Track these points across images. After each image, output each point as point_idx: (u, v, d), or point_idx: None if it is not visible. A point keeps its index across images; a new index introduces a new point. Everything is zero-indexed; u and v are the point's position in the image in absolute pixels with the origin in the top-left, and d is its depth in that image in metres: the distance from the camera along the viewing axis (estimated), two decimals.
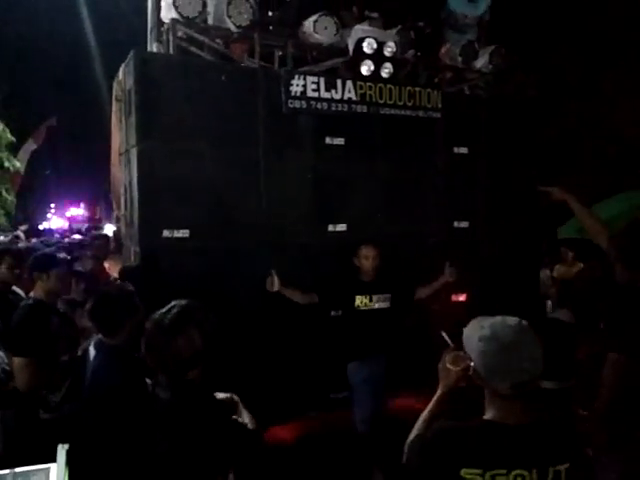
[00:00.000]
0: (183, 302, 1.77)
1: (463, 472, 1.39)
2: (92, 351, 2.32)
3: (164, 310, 1.76)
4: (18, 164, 13.46)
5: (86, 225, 9.24)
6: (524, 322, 1.47)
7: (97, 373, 2.21)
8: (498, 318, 1.49)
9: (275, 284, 3.19)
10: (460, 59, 4.05)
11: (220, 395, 1.89)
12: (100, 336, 2.32)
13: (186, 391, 1.73)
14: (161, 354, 1.71)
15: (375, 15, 4.18)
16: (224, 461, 1.74)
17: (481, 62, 4.15)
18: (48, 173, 24.35)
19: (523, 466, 1.39)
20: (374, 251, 3.32)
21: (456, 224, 4.03)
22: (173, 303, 1.76)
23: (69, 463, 1.61)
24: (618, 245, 2.23)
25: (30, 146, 14.94)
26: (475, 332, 1.48)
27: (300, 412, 3.49)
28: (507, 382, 1.41)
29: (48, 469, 1.61)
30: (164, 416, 1.72)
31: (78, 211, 24.82)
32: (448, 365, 1.62)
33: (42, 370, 2.58)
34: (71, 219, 22.04)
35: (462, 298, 4.02)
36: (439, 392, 1.66)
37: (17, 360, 2.57)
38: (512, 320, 1.48)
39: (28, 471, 1.61)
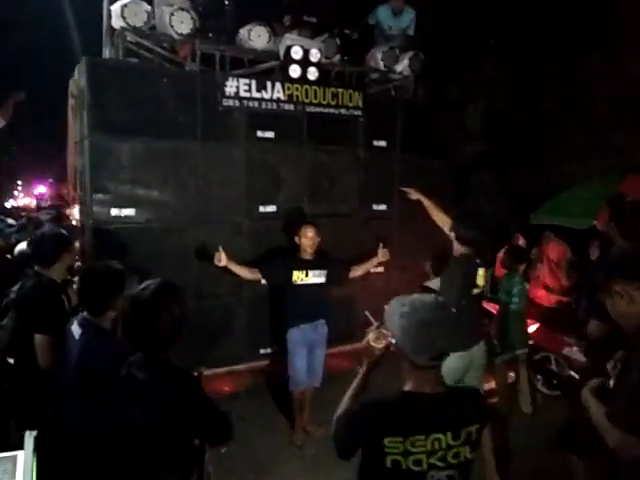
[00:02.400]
0: (158, 280, 1.81)
1: (386, 441, 1.53)
2: (77, 329, 2.30)
3: (141, 287, 1.79)
4: None
5: (49, 204, 9.56)
6: (440, 299, 1.66)
7: (84, 354, 2.20)
8: (416, 296, 1.64)
9: (223, 259, 3.59)
10: (382, 63, 4.75)
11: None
12: (85, 314, 2.32)
13: (161, 370, 1.77)
14: (142, 329, 1.74)
15: (313, 19, 4.86)
16: (195, 435, 1.83)
17: (401, 66, 4.85)
18: (14, 149, 24.31)
19: (439, 430, 1.55)
20: (313, 230, 3.72)
21: (375, 207, 4.77)
22: (148, 282, 1.79)
23: (37, 450, 1.61)
24: (456, 228, 3.07)
25: None
26: (396, 310, 1.60)
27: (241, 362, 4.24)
28: (426, 355, 1.56)
29: (15, 456, 1.58)
30: (141, 396, 1.75)
31: (45, 188, 24.90)
32: (371, 343, 1.73)
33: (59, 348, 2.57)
34: (38, 197, 22.18)
35: (380, 270, 4.78)
36: (363, 369, 1.78)
37: (40, 338, 2.60)
38: (429, 298, 1.64)
39: None
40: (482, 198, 7.52)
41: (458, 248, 3.10)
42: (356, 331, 4.44)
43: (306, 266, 3.69)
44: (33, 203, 21.69)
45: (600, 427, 1.77)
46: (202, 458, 1.97)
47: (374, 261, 3.97)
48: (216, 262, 3.60)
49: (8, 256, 4.41)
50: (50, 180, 26.30)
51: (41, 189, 23.70)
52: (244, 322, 4.31)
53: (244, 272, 3.69)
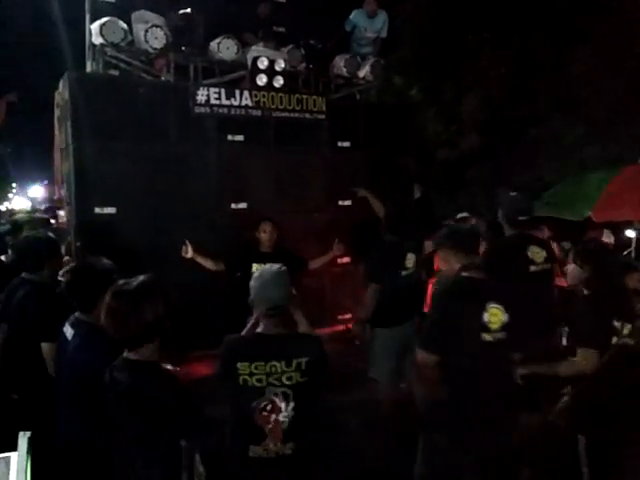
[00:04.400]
0: (142, 276, 1.90)
1: (239, 365, 2.11)
2: (69, 330, 2.36)
3: (124, 282, 1.88)
4: None
5: (45, 205, 9.95)
6: (283, 268, 2.24)
7: (78, 354, 2.25)
8: (267, 265, 2.28)
9: (189, 251, 4.09)
10: (345, 70, 5.21)
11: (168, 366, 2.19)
12: (77, 314, 2.38)
13: (144, 372, 1.85)
14: (124, 320, 1.80)
15: (282, 29, 5.34)
16: (179, 436, 1.91)
17: (363, 72, 5.32)
18: (9, 151, 24.75)
19: (275, 359, 2.12)
20: (271, 226, 4.19)
21: (340, 202, 5.22)
22: (133, 278, 1.89)
23: (31, 451, 1.59)
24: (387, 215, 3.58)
25: None
26: (255, 275, 2.26)
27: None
28: (263, 306, 2.17)
29: (8, 458, 1.56)
30: (124, 398, 1.83)
31: (41, 190, 25.36)
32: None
33: None
34: (33, 199, 22.63)
35: (346, 260, 5.25)
36: (252, 320, 2.37)
37: (47, 346, 2.64)
38: (275, 266, 2.25)
39: None
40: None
41: (387, 235, 3.62)
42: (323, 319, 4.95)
43: (264, 259, 4.02)
44: (28, 205, 22.16)
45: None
46: (192, 459, 2.05)
47: (330, 254, 4.43)
48: (183, 254, 4.06)
49: (2, 258, 4.68)
50: (45, 182, 26.78)
51: (36, 191, 24.17)
52: (220, 309, 4.75)
53: (209, 264, 4.13)
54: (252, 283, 2.23)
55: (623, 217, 5.75)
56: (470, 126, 10.68)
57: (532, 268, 3.27)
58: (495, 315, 2.35)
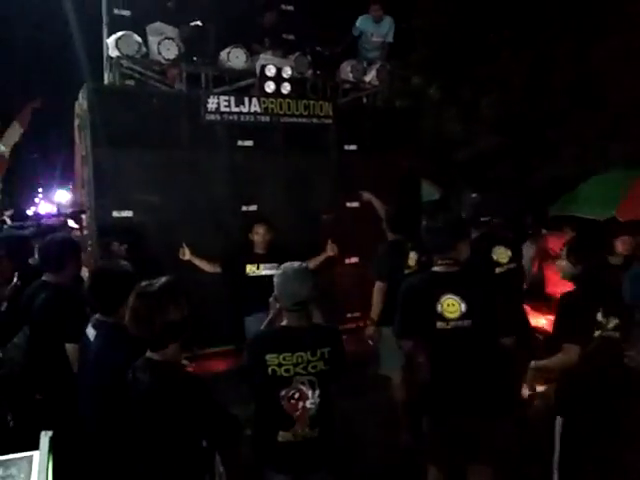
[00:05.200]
0: (164, 278, 1.94)
1: (267, 357, 2.31)
2: (91, 331, 2.44)
3: (147, 283, 1.92)
4: (3, 148, 14.54)
5: (70, 210, 10.43)
6: (304, 264, 2.47)
7: (100, 354, 2.31)
8: (289, 263, 2.45)
9: (186, 254, 4.34)
10: (351, 76, 5.46)
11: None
12: (98, 315, 2.44)
13: (166, 373, 1.89)
14: (148, 321, 1.84)
15: (291, 37, 5.63)
16: (202, 437, 1.95)
17: (370, 77, 5.56)
18: (35, 157, 25.72)
19: (302, 349, 2.34)
20: (264, 228, 4.37)
21: (348, 204, 5.44)
22: (155, 279, 1.94)
23: (53, 450, 1.59)
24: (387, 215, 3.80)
25: (15, 130, 15.93)
26: (277, 272, 2.46)
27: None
28: (289, 301, 2.37)
29: (31, 457, 1.58)
30: (146, 399, 1.87)
31: (66, 195, 26.24)
32: (272, 300, 2.58)
33: None
34: (59, 203, 23.48)
35: (354, 260, 5.49)
36: (271, 314, 2.60)
37: (72, 347, 2.72)
38: (297, 263, 2.45)
39: (8, 460, 1.57)
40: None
41: (390, 235, 3.84)
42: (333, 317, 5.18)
43: (258, 260, 4.36)
44: (54, 209, 23.00)
45: None
46: (212, 460, 2.11)
47: (323, 255, 4.64)
48: (180, 256, 4.32)
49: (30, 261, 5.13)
50: (70, 186, 27.68)
51: (61, 195, 25.05)
52: (229, 306, 5.02)
53: (204, 265, 4.39)
54: (276, 279, 2.42)
55: None
56: (489, 126, 10.77)
57: (497, 270, 3.44)
58: (452, 305, 2.56)
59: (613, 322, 2.71)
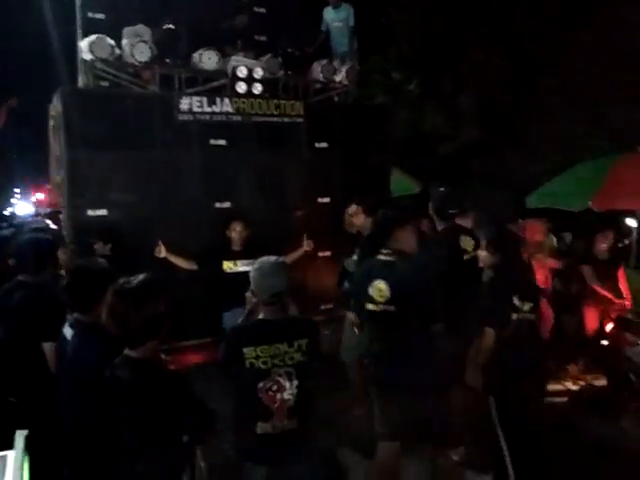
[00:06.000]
0: (142, 275, 1.96)
1: (244, 349, 2.37)
2: (68, 330, 2.46)
3: (124, 280, 1.95)
4: None
5: (48, 210, 10.51)
6: (280, 258, 2.57)
7: (78, 353, 2.34)
8: (265, 257, 2.54)
9: (162, 251, 4.50)
10: (321, 75, 5.74)
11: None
12: (75, 314, 2.47)
13: (145, 369, 1.91)
14: (126, 318, 1.85)
15: (263, 38, 5.89)
16: (182, 431, 1.98)
17: (340, 76, 5.85)
18: (13, 157, 25.67)
19: (278, 341, 2.41)
20: (241, 225, 4.58)
21: (319, 200, 5.72)
22: (133, 277, 1.95)
23: (31, 450, 1.62)
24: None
25: None
26: (253, 267, 2.56)
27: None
28: (265, 294, 2.46)
29: (5, 457, 1.57)
30: (125, 396, 1.88)
31: (43, 196, 26.17)
32: (249, 295, 2.66)
33: None
34: (37, 204, 23.50)
35: (327, 254, 5.75)
36: (247, 309, 2.68)
37: (49, 346, 2.77)
38: (273, 257, 2.54)
39: None
40: None
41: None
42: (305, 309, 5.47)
43: (235, 256, 4.56)
44: (32, 210, 23.00)
45: None
46: (193, 454, 2.17)
47: (300, 251, 4.89)
48: (156, 254, 4.47)
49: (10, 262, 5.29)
50: (49, 186, 27.57)
51: (39, 196, 25.06)
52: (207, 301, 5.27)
53: (181, 262, 4.56)
54: (252, 273, 2.51)
55: (623, 206, 6.00)
56: (469, 119, 11.11)
57: (465, 257, 3.76)
58: (380, 290, 2.87)
59: (528, 305, 3.05)
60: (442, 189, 4.27)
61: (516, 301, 3.08)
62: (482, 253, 3.43)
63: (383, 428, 2.94)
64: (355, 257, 4.24)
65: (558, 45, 9.95)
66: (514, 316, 3.07)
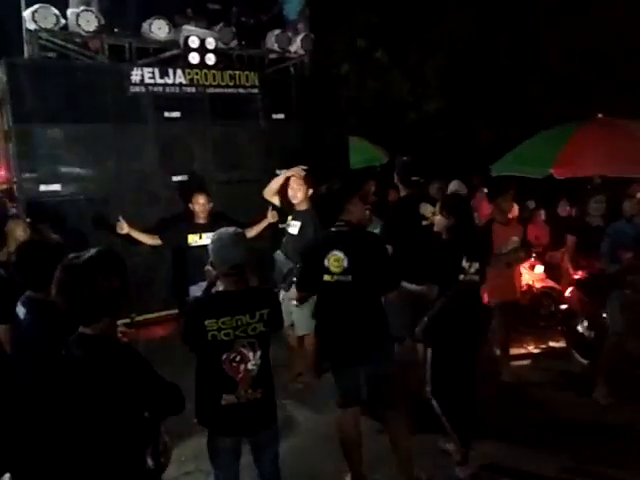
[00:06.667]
0: (94, 249, 1.89)
1: (206, 322, 2.35)
2: (21, 309, 2.44)
3: (74, 255, 1.87)
4: None
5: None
6: (238, 230, 2.52)
7: (30, 332, 2.33)
8: (223, 229, 2.51)
9: (124, 228, 4.48)
10: (276, 45, 5.79)
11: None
12: (28, 292, 2.44)
13: (100, 346, 1.86)
14: (76, 294, 1.80)
15: (217, 7, 5.87)
16: (143, 408, 1.95)
17: (295, 46, 5.90)
18: None
19: (240, 313, 2.38)
20: (204, 198, 4.57)
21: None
22: (84, 251, 1.87)
23: None
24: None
25: None
26: (212, 238, 2.52)
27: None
28: (225, 266, 2.43)
29: None
30: (81, 374, 1.83)
31: None
32: (209, 268, 2.62)
33: None
34: None
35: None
36: (207, 281, 2.68)
37: (2, 328, 2.70)
38: (231, 229, 2.51)
39: None
40: None
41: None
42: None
43: (200, 230, 4.58)
44: None
45: None
46: (156, 430, 2.13)
47: (265, 222, 4.91)
48: (118, 230, 4.50)
49: None
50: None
51: None
52: (168, 274, 5.38)
53: (144, 238, 4.60)
54: (211, 246, 2.49)
55: (584, 173, 6.10)
56: (435, 88, 11.27)
57: (423, 222, 3.96)
58: (337, 261, 2.91)
59: (474, 267, 3.27)
60: (405, 158, 4.42)
61: (464, 263, 3.24)
62: (436, 217, 3.57)
63: (340, 396, 3.03)
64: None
65: (522, 14, 10.17)
66: (460, 277, 3.27)
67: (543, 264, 6.01)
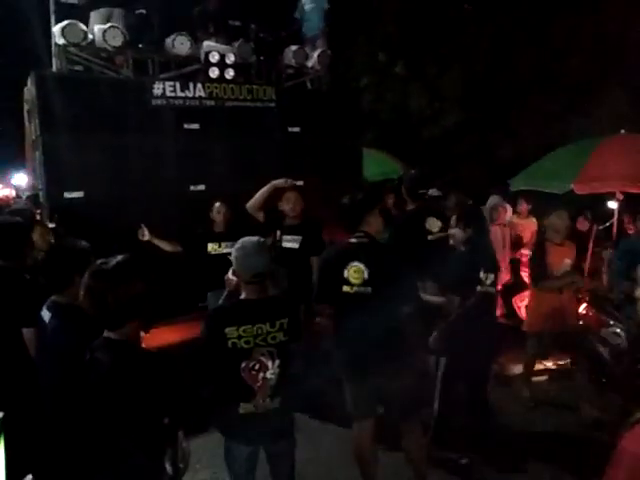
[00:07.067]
0: (121, 256, 1.96)
1: (226, 330, 2.38)
2: (46, 313, 2.50)
3: (102, 261, 1.94)
4: None
5: (27, 193, 10.64)
6: (262, 239, 2.57)
7: (55, 336, 2.39)
8: (247, 238, 2.54)
9: (146, 234, 4.64)
10: (294, 61, 6.04)
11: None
12: (53, 297, 2.52)
13: (125, 352, 1.92)
14: (103, 300, 1.85)
15: (237, 23, 6.15)
16: (163, 414, 1.99)
17: (312, 62, 6.14)
18: None
19: (261, 321, 2.43)
20: (224, 207, 4.74)
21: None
22: (111, 258, 1.95)
23: (11, 435, 1.66)
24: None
25: None
26: (235, 247, 2.55)
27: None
28: (248, 274, 2.46)
29: None
30: (105, 379, 1.88)
31: (24, 178, 26.03)
32: (230, 276, 2.71)
33: None
34: (18, 186, 23.44)
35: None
36: (227, 291, 2.75)
37: (29, 332, 2.78)
38: (254, 238, 2.54)
39: None
40: None
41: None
42: None
43: (220, 238, 4.74)
44: (12, 193, 23.00)
45: None
46: (175, 436, 2.15)
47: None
48: (140, 237, 4.65)
49: None
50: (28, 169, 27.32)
51: (20, 179, 25.02)
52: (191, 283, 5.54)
53: (165, 245, 4.73)
54: (234, 254, 2.53)
55: (605, 189, 6.11)
56: (453, 102, 11.42)
57: (429, 237, 4.05)
58: (357, 272, 2.94)
59: (490, 279, 3.40)
60: (413, 171, 4.53)
61: (481, 274, 3.37)
62: (453, 230, 3.64)
63: (356, 409, 3.07)
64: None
65: (541, 28, 10.30)
66: (478, 288, 3.38)
67: None
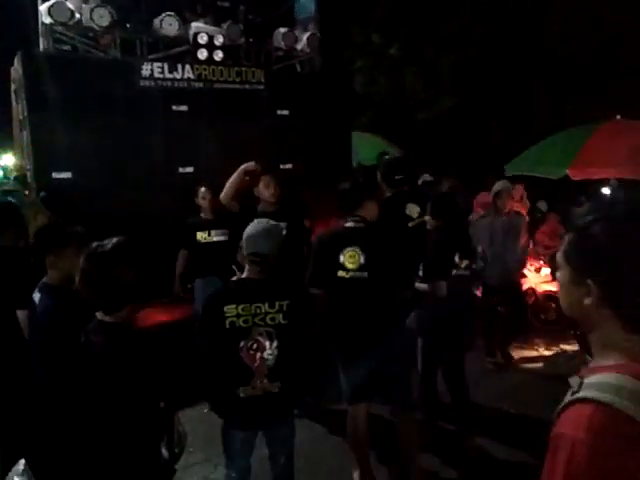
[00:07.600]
0: (116, 238, 1.93)
1: (225, 308, 2.42)
2: (37, 295, 2.53)
3: (97, 244, 1.92)
4: None
5: (15, 174, 10.62)
6: (272, 222, 2.59)
7: (43, 317, 2.41)
8: (263, 219, 2.63)
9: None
10: (283, 43, 6.10)
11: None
12: (45, 278, 2.55)
13: (119, 334, 1.91)
14: (100, 283, 1.84)
15: (226, 4, 6.19)
16: (159, 398, 1.99)
17: (301, 44, 6.20)
18: None
19: (260, 301, 2.45)
20: (209, 193, 4.64)
21: (282, 166, 6.07)
22: (108, 239, 1.93)
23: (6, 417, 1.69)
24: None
25: None
26: (252, 223, 2.62)
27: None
28: (247, 251, 2.51)
29: None
30: (100, 361, 1.88)
31: (12, 158, 25.79)
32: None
33: None
34: (4, 167, 23.33)
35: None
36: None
37: (22, 313, 2.82)
38: (265, 220, 2.61)
39: None
40: None
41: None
42: None
43: (208, 226, 4.72)
44: (0, 173, 22.87)
45: None
46: (171, 420, 2.14)
47: None
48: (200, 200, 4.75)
49: None
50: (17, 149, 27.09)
51: (7, 159, 24.88)
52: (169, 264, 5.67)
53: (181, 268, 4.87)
54: (246, 231, 2.60)
55: (600, 175, 6.20)
56: (449, 86, 11.49)
57: (410, 224, 4.03)
58: (352, 257, 2.95)
59: (465, 263, 3.56)
60: (389, 156, 4.60)
61: (456, 259, 3.55)
62: (426, 217, 3.76)
63: (351, 394, 3.10)
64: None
65: (538, 13, 10.35)
66: (453, 272, 3.53)
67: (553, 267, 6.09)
